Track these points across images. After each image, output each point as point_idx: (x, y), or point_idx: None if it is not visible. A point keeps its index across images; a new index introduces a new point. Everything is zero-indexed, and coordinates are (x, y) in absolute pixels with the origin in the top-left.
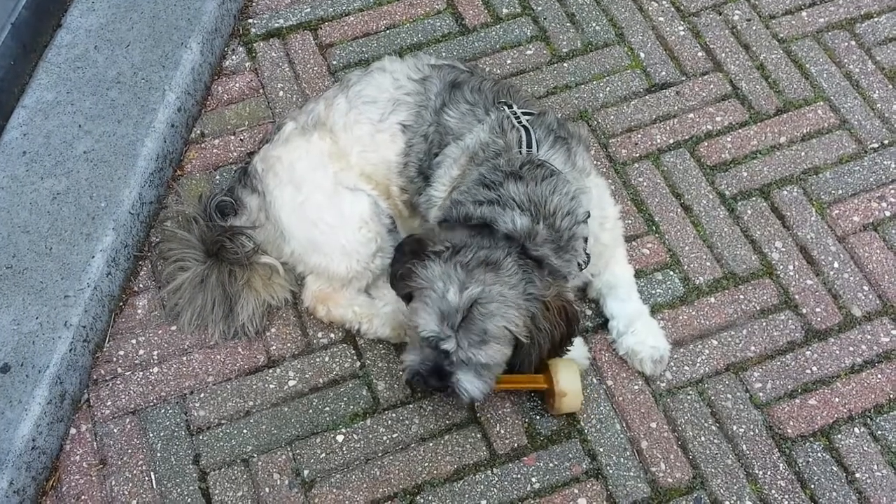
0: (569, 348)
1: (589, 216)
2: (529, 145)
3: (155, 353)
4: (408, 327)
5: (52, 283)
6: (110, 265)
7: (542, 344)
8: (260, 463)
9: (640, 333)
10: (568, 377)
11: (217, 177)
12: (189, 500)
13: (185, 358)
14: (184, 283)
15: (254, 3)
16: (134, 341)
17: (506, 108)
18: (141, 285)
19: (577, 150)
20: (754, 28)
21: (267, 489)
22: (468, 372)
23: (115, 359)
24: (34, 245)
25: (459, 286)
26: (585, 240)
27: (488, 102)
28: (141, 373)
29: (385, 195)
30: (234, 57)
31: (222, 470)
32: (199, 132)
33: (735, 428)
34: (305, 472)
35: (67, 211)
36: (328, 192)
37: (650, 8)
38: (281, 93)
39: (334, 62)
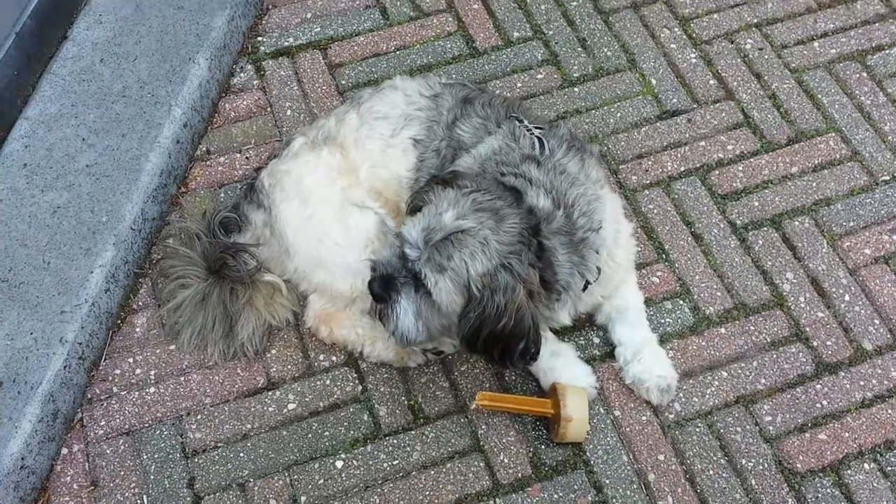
0: (523, 362)
1: (601, 227)
2: (542, 152)
3: (152, 372)
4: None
5: (48, 298)
6: (109, 281)
7: (487, 316)
8: (256, 488)
9: (647, 362)
10: (575, 403)
11: (222, 195)
12: None
13: (182, 378)
14: (184, 301)
15: (264, 22)
16: (131, 360)
17: (517, 121)
18: (140, 303)
19: (590, 161)
20: (766, 57)
21: None
22: (410, 303)
23: (110, 377)
24: (32, 259)
25: (457, 214)
26: (597, 252)
27: (500, 116)
28: (137, 392)
29: (394, 212)
30: (242, 74)
31: (217, 494)
32: (204, 149)
33: (744, 462)
34: (303, 498)
35: (67, 225)
36: (335, 208)
37: (662, 35)
38: (289, 111)
39: (343, 82)
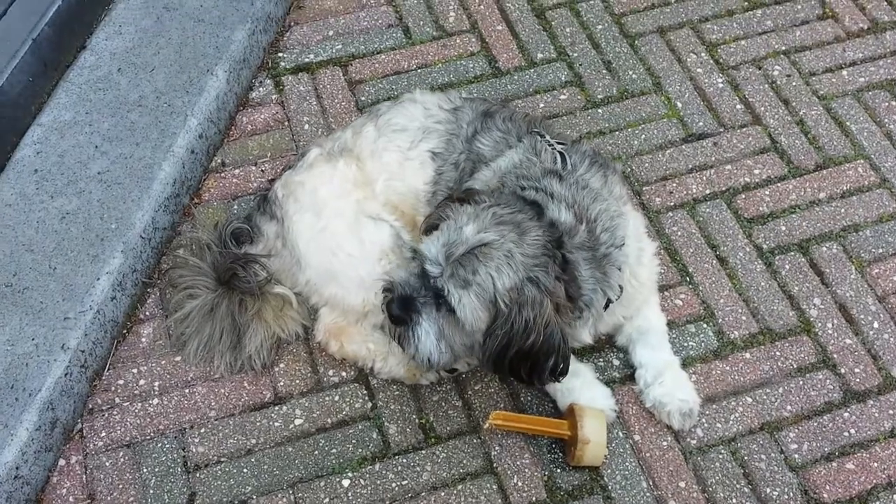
0: (552, 379)
1: (624, 244)
2: (565, 166)
3: (156, 383)
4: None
5: (52, 304)
6: (116, 289)
7: (515, 332)
8: None
9: (669, 385)
10: (593, 426)
11: (235, 207)
12: None
13: (187, 390)
14: (192, 312)
15: (285, 38)
16: (135, 370)
17: (538, 136)
18: (147, 313)
19: (613, 178)
20: (794, 84)
21: None
22: (432, 323)
23: (113, 388)
24: (37, 264)
25: (478, 227)
26: (619, 269)
27: (521, 131)
28: (140, 404)
29: (410, 226)
30: (260, 89)
31: None
32: (219, 161)
33: (769, 490)
34: None
35: (75, 231)
36: (349, 220)
37: (689, 59)
38: (307, 126)
39: (363, 98)
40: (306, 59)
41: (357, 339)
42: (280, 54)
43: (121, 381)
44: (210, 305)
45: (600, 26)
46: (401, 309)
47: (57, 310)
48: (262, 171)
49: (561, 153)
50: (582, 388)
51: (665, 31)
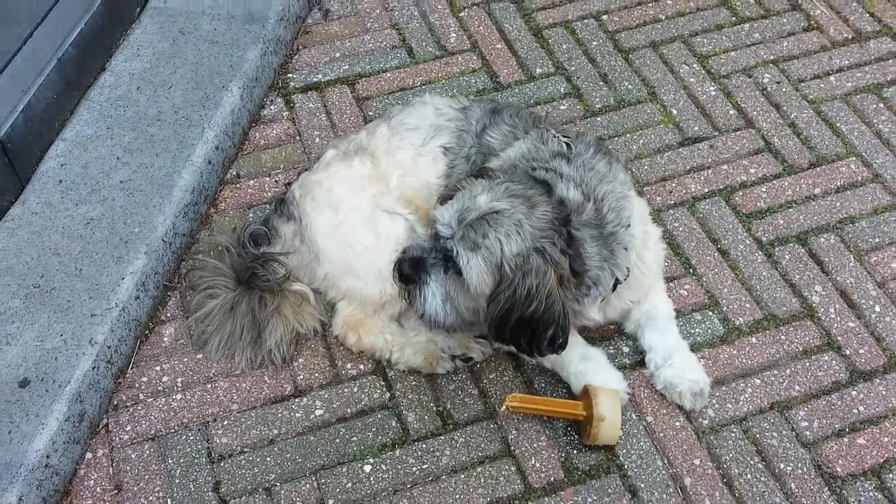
0: (551, 350)
1: (630, 225)
2: (571, 151)
3: (179, 380)
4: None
5: (79, 302)
6: (139, 289)
7: (517, 298)
8: (283, 492)
9: (679, 366)
10: (608, 404)
11: (251, 215)
12: None
13: (209, 385)
14: (213, 310)
15: (294, 60)
16: (158, 368)
17: (545, 129)
18: (168, 314)
19: (617, 165)
20: (784, 90)
21: None
22: (439, 284)
23: (137, 385)
24: (63, 266)
25: (491, 197)
26: (626, 249)
27: (528, 125)
28: (163, 399)
29: (424, 220)
30: (272, 107)
31: (243, 498)
32: (234, 174)
33: (782, 466)
34: (330, 501)
35: (100, 235)
36: (365, 215)
37: (681, 70)
38: (317, 139)
39: (370, 113)
40: (315, 79)
41: (374, 331)
42: (290, 75)
43: (144, 379)
44: (230, 304)
45: (595, 42)
46: (411, 269)
47: (84, 307)
48: (275, 181)
49: (567, 143)
50: (595, 371)
51: (657, 46)
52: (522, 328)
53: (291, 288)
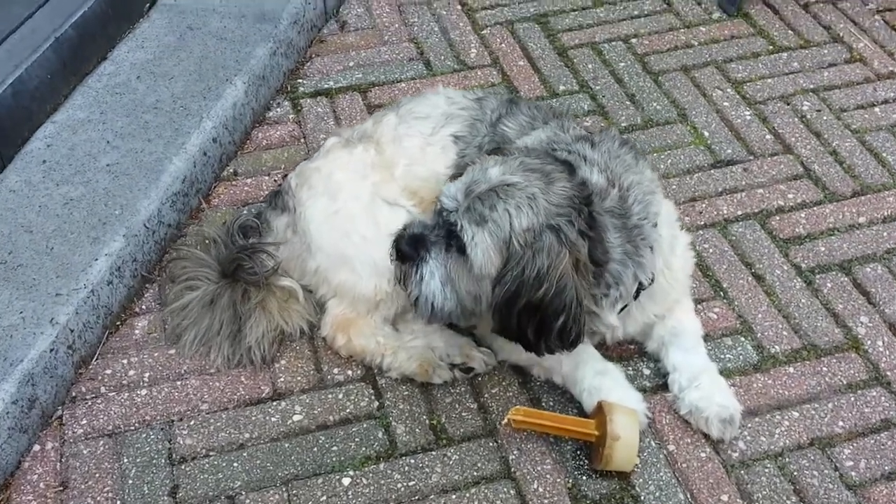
0: (561, 346)
1: (657, 224)
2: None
3: (146, 375)
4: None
5: (45, 281)
6: (113, 274)
7: (525, 279)
8: (248, 501)
9: (706, 389)
10: (624, 423)
11: (244, 211)
12: None
13: (179, 383)
14: (191, 302)
15: (305, 67)
16: (125, 361)
17: (566, 120)
18: (144, 307)
19: (643, 161)
20: (825, 118)
21: None
22: (439, 263)
23: (100, 377)
24: (34, 244)
25: (504, 170)
26: (651, 249)
27: (548, 116)
28: (126, 394)
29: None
30: (278, 109)
31: None
32: (232, 171)
33: None
34: None
35: (78, 215)
36: (365, 203)
37: (714, 94)
38: (323, 142)
39: None
40: (326, 85)
41: (366, 332)
42: (300, 80)
43: (108, 371)
44: (211, 297)
45: (623, 64)
46: (410, 245)
47: (49, 286)
48: (274, 180)
49: (589, 136)
50: (611, 388)
51: (689, 70)
52: (530, 315)
53: (279, 283)
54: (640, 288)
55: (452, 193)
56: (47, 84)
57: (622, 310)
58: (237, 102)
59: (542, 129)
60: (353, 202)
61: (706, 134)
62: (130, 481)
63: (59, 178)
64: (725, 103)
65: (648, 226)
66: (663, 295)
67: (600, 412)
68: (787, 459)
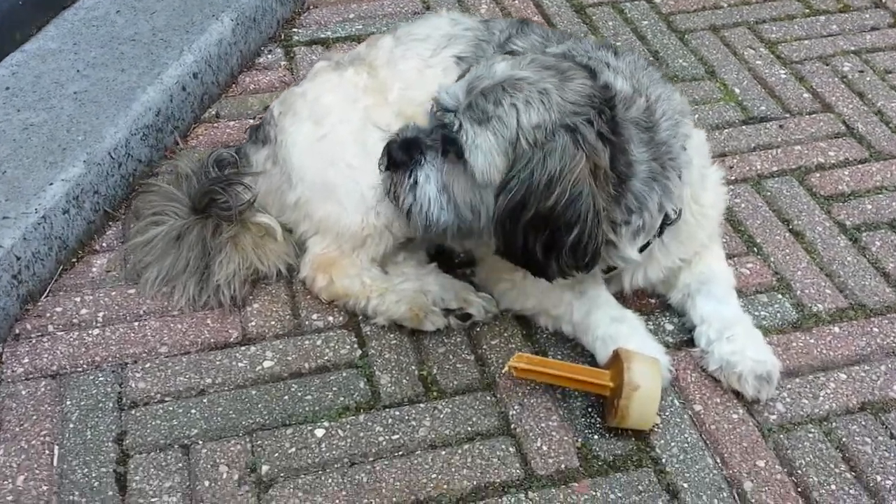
0: (573, 268)
1: (686, 148)
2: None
3: (100, 314)
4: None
5: None
6: (70, 202)
7: (534, 184)
8: (204, 451)
9: (739, 341)
10: (644, 372)
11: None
12: (96, 483)
13: (136, 324)
14: (156, 237)
15: (302, 17)
16: (78, 299)
17: (583, 40)
18: (104, 244)
19: (673, 87)
20: (868, 79)
21: (207, 482)
22: (434, 169)
23: (48, 314)
24: None
25: (513, 65)
26: (679, 176)
27: (563, 38)
28: (76, 333)
29: None
30: (269, 56)
31: (151, 454)
32: (213, 113)
33: (879, 479)
34: (265, 467)
35: (37, 140)
36: (354, 128)
37: (746, 53)
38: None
39: None
40: (323, 35)
41: (350, 273)
42: (295, 30)
43: (58, 309)
44: (178, 232)
45: (646, 22)
46: (402, 150)
47: None
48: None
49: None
50: (629, 336)
51: (718, 29)
52: (538, 228)
53: (255, 219)
54: (666, 222)
55: (452, 91)
56: (19, 10)
57: (644, 248)
58: (223, 40)
59: (557, 46)
60: (342, 127)
61: (737, 91)
62: (72, 425)
63: (20, 104)
64: (758, 62)
65: (678, 146)
66: (690, 235)
67: (617, 361)
68: (833, 424)
